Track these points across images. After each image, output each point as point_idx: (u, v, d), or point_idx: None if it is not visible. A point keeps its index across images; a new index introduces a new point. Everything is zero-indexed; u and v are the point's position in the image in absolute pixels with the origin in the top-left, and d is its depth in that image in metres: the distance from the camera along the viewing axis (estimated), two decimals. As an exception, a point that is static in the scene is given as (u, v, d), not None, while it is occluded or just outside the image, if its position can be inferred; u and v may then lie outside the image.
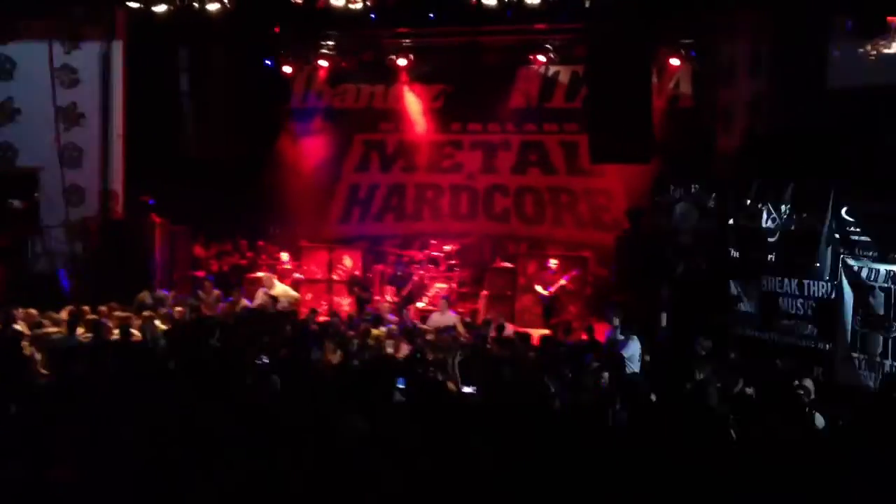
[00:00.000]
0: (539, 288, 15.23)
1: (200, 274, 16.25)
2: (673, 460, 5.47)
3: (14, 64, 14.76)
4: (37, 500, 5.26)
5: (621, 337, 10.40)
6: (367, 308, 14.60)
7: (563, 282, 15.12)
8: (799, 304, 10.47)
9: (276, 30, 17.26)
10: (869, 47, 10.93)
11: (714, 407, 6.97)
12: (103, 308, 11.39)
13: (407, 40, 17.68)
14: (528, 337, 10.79)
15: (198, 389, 6.96)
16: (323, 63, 18.32)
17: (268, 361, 8.80)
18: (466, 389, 8.08)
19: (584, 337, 11.81)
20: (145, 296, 12.98)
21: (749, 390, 7.95)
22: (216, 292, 14.27)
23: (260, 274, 16.18)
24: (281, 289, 14.93)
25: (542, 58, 17.48)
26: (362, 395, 7.04)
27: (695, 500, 5.19)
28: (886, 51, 10.78)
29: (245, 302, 13.73)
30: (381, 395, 7.14)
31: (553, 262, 15.37)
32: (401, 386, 7.61)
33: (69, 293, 13.49)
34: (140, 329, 10.48)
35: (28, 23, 14.59)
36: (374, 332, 11.30)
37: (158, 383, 7.32)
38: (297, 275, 16.61)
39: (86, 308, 11.15)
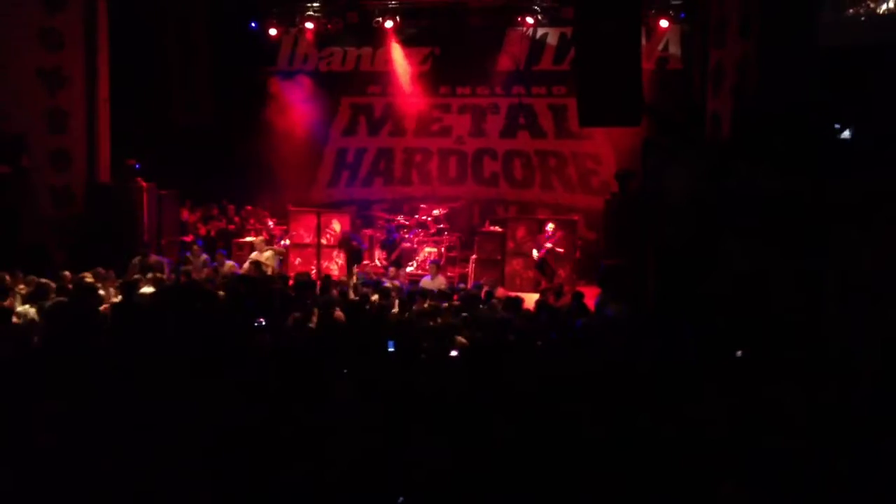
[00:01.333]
0: (535, 252, 15.31)
1: (188, 238, 16.21)
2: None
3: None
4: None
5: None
6: (358, 270, 14.58)
7: (548, 245, 15.17)
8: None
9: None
10: (859, 8, 10.88)
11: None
12: (87, 273, 11.30)
13: (393, 2, 17.58)
14: (519, 301, 10.76)
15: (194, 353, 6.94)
16: (309, 25, 18.18)
17: (264, 323, 8.76)
18: (452, 353, 8.07)
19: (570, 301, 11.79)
20: (137, 261, 12.98)
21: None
22: (203, 257, 14.23)
23: (249, 238, 16.19)
24: (268, 253, 14.90)
25: (530, 20, 17.41)
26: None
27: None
28: (876, 10, 10.74)
29: (231, 264, 13.69)
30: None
31: (550, 226, 15.42)
32: (391, 349, 7.60)
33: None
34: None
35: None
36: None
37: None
38: (284, 241, 16.58)
39: (67, 274, 11.04)
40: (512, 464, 5.09)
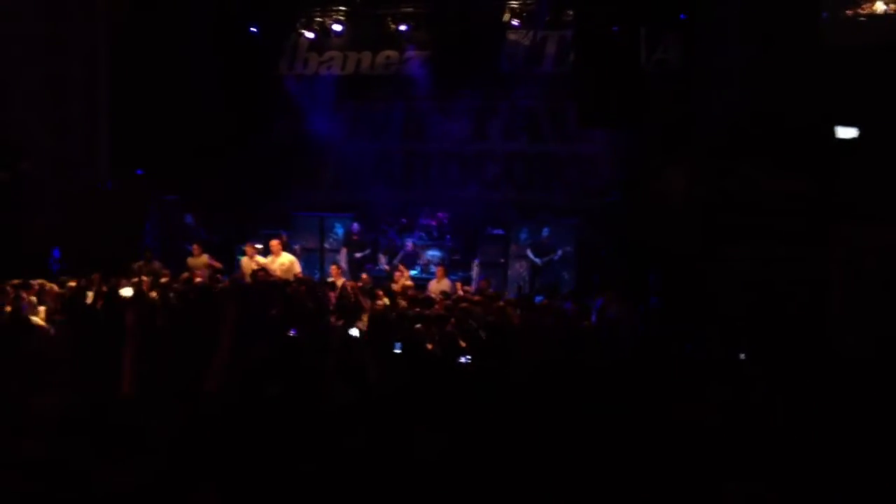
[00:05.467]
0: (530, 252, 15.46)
1: (191, 244, 16.14)
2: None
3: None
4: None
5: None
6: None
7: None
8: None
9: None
10: (858, 8, 10.92)
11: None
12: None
13: (393, 6, 17.59)
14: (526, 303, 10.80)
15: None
16: (309, 30, 18.22)
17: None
18: (462, 359, 8.07)
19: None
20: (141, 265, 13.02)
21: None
22: (204, 257, 14.10)
23: (259, 245, 16.12)
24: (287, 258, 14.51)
25: (530, 23, 17.40)
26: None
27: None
28: (876, 10, 10.79)
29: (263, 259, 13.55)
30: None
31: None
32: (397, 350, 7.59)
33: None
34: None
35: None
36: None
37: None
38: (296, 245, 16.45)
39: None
40: (514, 462, 5.09)
